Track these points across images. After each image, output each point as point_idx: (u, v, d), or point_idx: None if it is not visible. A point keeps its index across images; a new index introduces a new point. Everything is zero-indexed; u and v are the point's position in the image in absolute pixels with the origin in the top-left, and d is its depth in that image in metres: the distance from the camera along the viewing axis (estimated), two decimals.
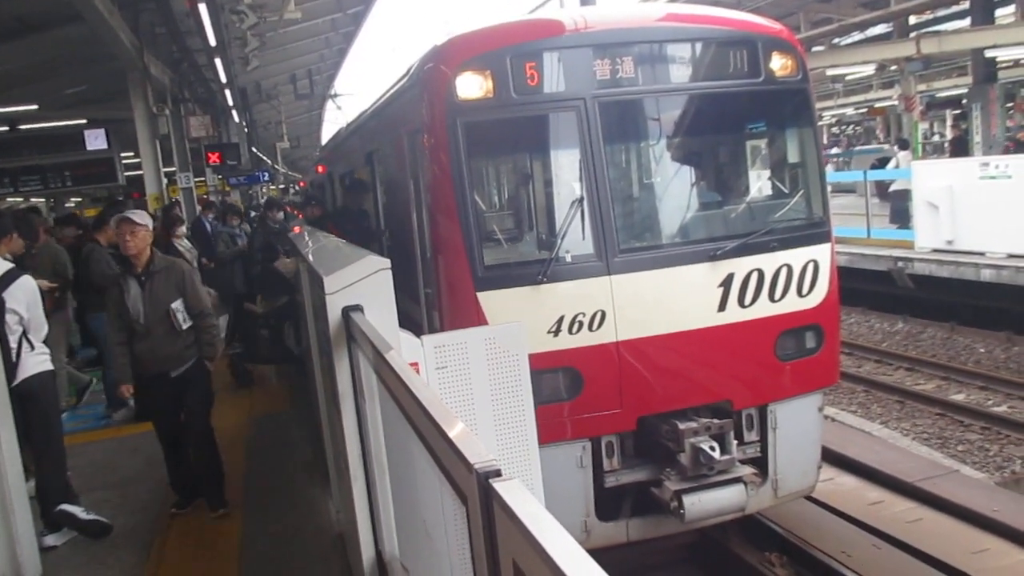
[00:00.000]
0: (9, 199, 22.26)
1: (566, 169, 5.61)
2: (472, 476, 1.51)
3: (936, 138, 36.01)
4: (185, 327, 5.59)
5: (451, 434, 1.72)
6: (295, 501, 5.85)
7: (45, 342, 5.44)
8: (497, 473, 1.46)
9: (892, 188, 17.89)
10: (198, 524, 5.62)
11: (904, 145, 20.50)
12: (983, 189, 13.08)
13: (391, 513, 3.24)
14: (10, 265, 5.26)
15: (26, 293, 5.18)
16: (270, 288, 9.04)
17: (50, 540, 5.27)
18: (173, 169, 19.54)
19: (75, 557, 5.21)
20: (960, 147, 23.52)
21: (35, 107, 17.84)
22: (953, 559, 5.89)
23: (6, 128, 17.29)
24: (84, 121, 18.18)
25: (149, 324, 5.53)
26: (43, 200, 34.04)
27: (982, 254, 13.25)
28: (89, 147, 15.36)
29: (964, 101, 26.84)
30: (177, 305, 5.56)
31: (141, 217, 5.66)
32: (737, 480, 5.32)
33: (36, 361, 5.25)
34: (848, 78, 32.64)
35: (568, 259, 5.26)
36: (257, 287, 9.53)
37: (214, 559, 5.06)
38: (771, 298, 5.59)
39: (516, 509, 1.30)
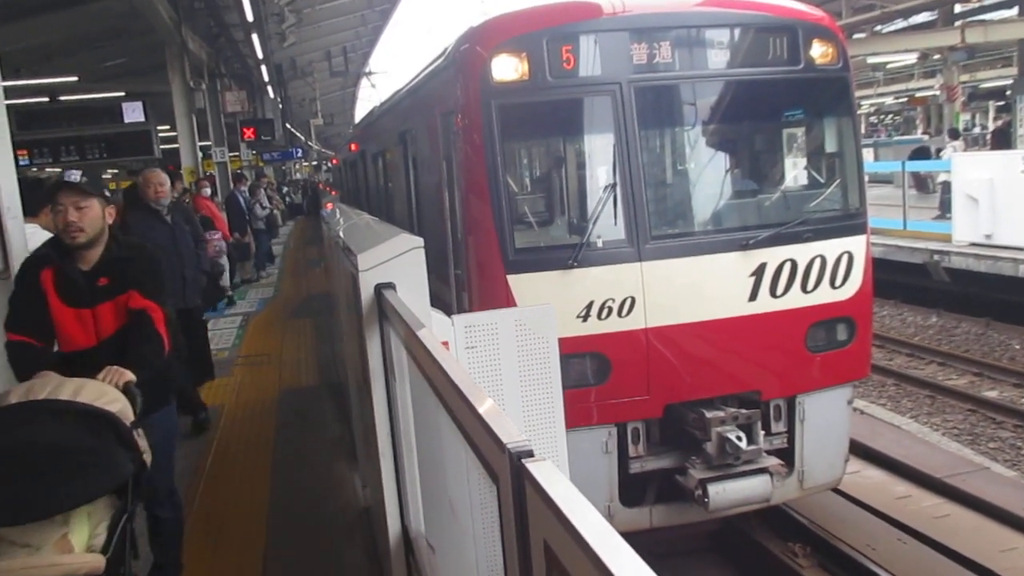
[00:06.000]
0: (47, 169, 22.62)
1: (600, 154, 5.59)
2: (505, 456, 1.51)
3: (977, 130, 35.26)
4: None
5: (483, 413, 1.73)
6: (322, 473, 5.93)
7: None
8: (530, 453, 1.46)
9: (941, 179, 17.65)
10: (226, 492, 5.71)
11: (955, 135, 20.21)
12: None
13: (418, 490, 3.28)
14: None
15: None
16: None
17: None
18: (208, 143, 19.76)
19: None
20: (1002, 139, 23.01)
21: (75, 79, 18.07)
22: (980, 556, 5.83)
23: (46, 99, 17.51)
24: (122, 94, 18.38)
25: None
26: (79, 172, 34.58)
27: (1022, 249, 13.00)
28: (126, 119, 15.55)
29: (1008, 92, 26.21)
30: None
31: None
32: (763, 471, 5.30)
33: None
34: (889, 66, 32.03)
35: (599, 244, 5.25)
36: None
37: (241, 525, 5.14)
38: (803, 289, 5.54)
39: (549, 490, 1.31)
